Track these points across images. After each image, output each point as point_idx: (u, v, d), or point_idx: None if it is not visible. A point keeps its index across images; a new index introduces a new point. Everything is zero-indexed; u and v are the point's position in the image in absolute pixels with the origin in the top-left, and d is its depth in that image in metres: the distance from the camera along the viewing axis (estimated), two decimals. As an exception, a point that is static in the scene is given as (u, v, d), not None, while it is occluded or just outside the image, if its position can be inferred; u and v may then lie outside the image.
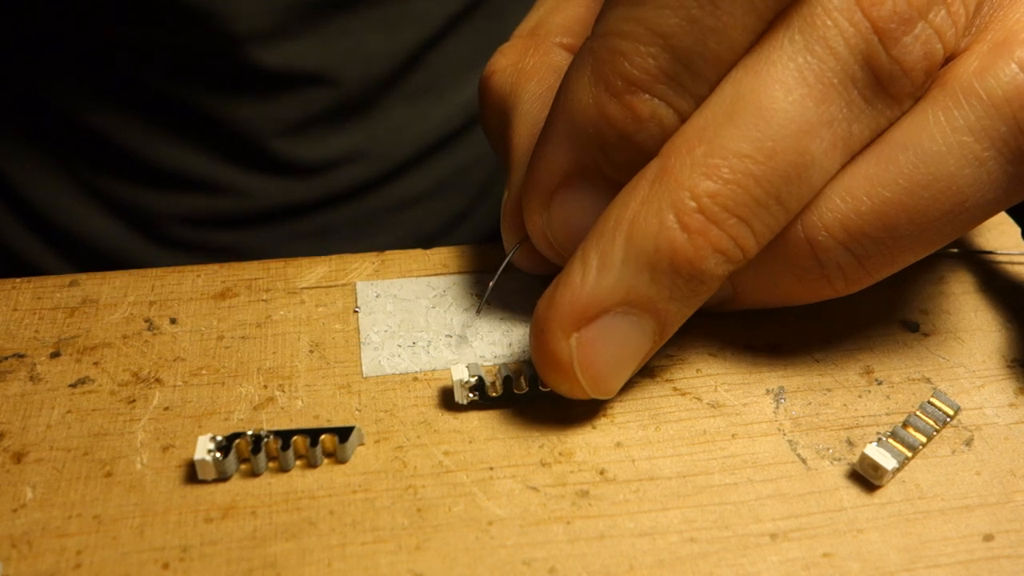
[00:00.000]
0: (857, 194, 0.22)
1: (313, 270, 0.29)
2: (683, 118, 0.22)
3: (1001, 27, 0.22)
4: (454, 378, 0.24)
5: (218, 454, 0.23)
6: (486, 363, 0.26)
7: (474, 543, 0.22)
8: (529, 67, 0.28)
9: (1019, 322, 0.28)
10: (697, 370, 0.26)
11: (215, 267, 0.29)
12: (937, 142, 0.22)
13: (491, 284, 0.27)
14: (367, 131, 0.47)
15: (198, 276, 0.29)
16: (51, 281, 0.28)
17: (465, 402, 0.25)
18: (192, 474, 0.23)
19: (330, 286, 0.29)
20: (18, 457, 0.23)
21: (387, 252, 0.30)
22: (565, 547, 0.22)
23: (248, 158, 0.45)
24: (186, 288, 0.28)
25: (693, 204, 0.21)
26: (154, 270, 0.29)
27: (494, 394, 0.25)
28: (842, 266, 0.23)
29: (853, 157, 0.22)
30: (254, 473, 0.23)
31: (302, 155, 0.46)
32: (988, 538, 0.23)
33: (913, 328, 0.28)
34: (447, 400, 0.25)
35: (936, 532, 0.23)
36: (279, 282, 0.29)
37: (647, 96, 0.22)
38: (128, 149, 0.44)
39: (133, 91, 0.43)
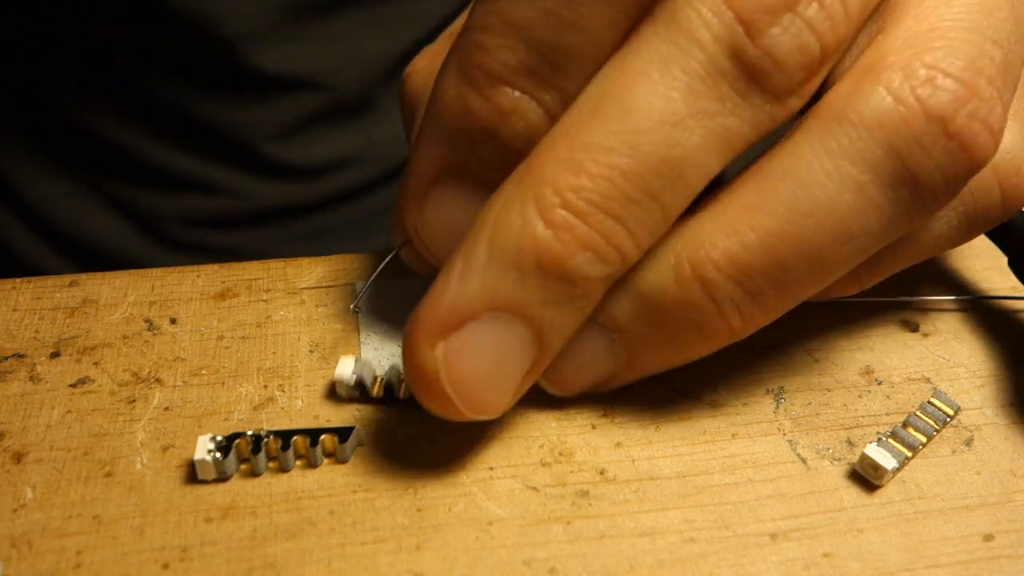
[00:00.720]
0: (740, 227, 0.21)
1: (313, 270, 0.29)
2: (552, 116, 0.21)
3: (874, 50, 0.22)
4: (337, 373, 0.24)
5: (218, 454, 0.23)
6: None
7: (474, 543, 0.22)
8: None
9: (1019, 322, 0.28)
10: (697, 370, 0.26)
11: (215, 267, 0.29)
12: (814, 169, 0.21)
13: (367, 283, 0.26)
14: (363, 133, 0.47)
15: (198, 276, 0.29)
16: (51, 281, 0.28)
17: (346, 395, 0.25)
18: (192, 474, 0.23)
19: (330, 286, 0.29)
20: (18, 457, 0.23)
21: (387, 252, 0.30)
22: (565, 547, 0.22)
23: (244, 160, 0.45)
24: (186, 288, 0.28)
25: (556, 199, 0.20)
26: (154, 270, 0.29)
27: (375, 395, 0.25)
28: (736, 302, 0.22)
29: (733, 184, 0.22)
30: (254, 473, 0.23)
31: (297, 158, 0.46)
32: (988, 538, 0.23)
33: (913, 328, 0.28)
34: (332, 392, 0.25)
35: (936, 532, 0.23)
36: (279, 282, 0.29)
37: (508, 89, 0.21)
38: (127, 150, 0.44)
39: (130, 92, 0.43)
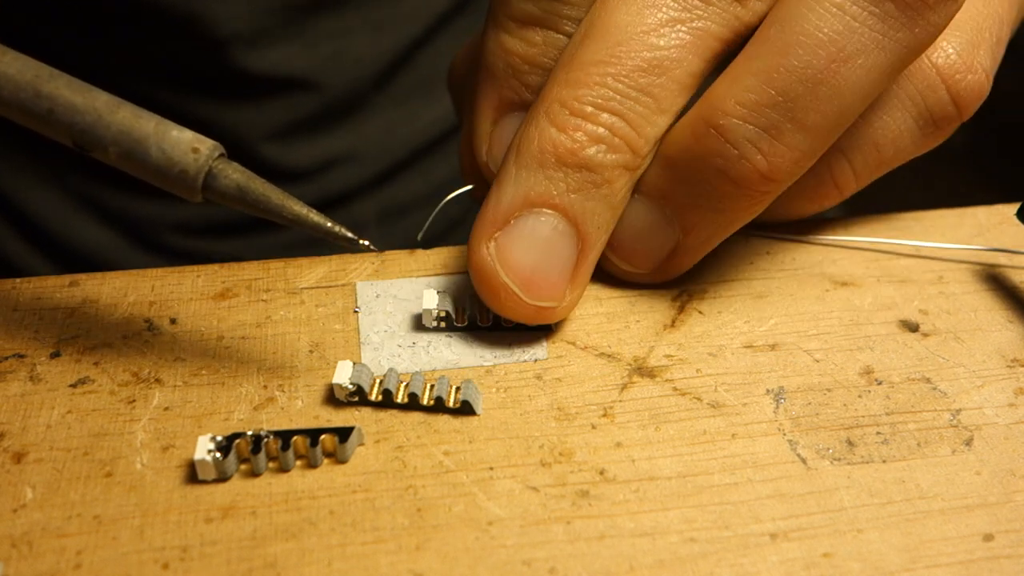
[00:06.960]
0: (742, 76, 0.24)
1: (313, 270, 0.29)
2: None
3: None
4: (334, 379, 0.25)
5: (218, 454, 0.23)
6: (486, 363, 0.26)
7: (474, 543, 0.22)
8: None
9: (1019, 322, 0.28)
10: (697, 370, 0.26)
11: (215, 267, 0.29)
12: (799, 8, 0.23)
13: (437, 209, 0.30)
14: (357, 133, 0.47)
15: (198, 276, 0.29)
16: (51, 281, 0.28)
17: (344, 400, 0.25)
18: (192, 474, 0.23)
19: (330, 286, 0.29)
20: (18, 457, 0.23)
21: (387, 252, 0.30)
22: (565, 547, 0.22)
23: (237, 163, 0.45)
24: (186, 288, 0.28)
25: (563, 108, 0.24)
26: (154, 270, 0.29)
27: (374, 399, 0.25)
28: (752, 140, 0.24)
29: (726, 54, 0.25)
30: (254, 473, 0.23)
31: (291, 159, 0.46)
32: (988, 538, 0.23)
33: (913, 328, 0.28)
34: (332, 392, 0.25)
35: (936, 532, 0.23)
36: (279, 282, 0.29)
37: (537, 28, 0.26)
38: None
39: (121, 94, 0.43)
